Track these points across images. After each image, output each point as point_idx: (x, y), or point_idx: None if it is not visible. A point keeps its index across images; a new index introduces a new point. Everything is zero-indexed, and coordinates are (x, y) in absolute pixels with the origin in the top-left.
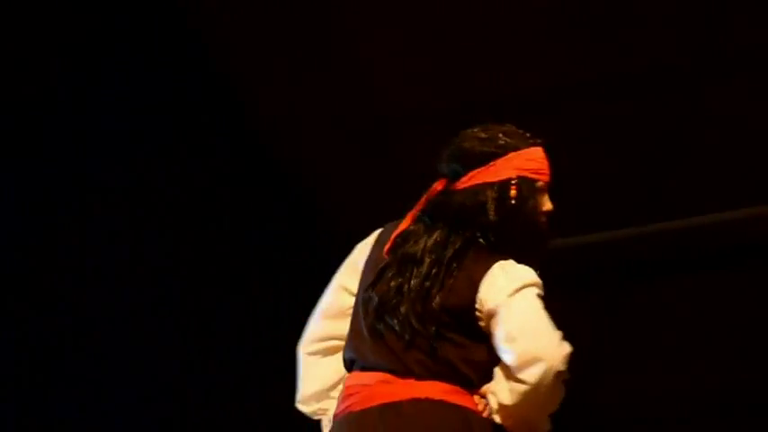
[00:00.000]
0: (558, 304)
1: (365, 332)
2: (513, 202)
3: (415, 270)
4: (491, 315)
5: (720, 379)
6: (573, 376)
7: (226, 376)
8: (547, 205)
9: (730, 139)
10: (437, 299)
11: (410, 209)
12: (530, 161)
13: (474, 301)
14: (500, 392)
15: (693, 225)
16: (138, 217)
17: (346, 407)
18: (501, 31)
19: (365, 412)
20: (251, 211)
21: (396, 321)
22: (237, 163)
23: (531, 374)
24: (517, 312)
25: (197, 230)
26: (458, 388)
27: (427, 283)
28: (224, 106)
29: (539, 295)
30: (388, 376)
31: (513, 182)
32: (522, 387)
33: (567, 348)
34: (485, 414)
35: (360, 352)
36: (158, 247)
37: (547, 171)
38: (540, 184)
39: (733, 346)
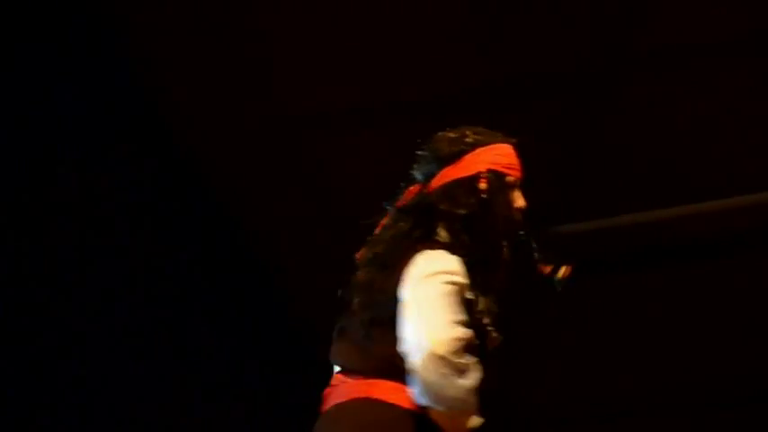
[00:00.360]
0: None
1: (335, 333)
2: (483, 195)
3: (368, 267)
4: (402, 304)
5: (636, 379)
6: (504, 375)
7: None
8: (519, 201)
9: (646, 139)
10: (375, 294)
11: (319, 209)
12: (500, 156)
13: (396, 294)
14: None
15: (605, 227)
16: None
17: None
18: (409, 31)
19: (323, 415)
20: (160, 210)
21: (349, 319)
22: (149, 164)
23: (414, 362)
24: (414, 300)
25: (106, 230)
26: (398, 385)
27: (370, 278)
28: (133, 100)
29: (448, 282)
30: (343, 377)
31: (482, 175)
32: (414, 376)
33: (452, 334)
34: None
35: (331, 353)
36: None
37: (518, 167)
38: (510, 179)
39: (650, 346)
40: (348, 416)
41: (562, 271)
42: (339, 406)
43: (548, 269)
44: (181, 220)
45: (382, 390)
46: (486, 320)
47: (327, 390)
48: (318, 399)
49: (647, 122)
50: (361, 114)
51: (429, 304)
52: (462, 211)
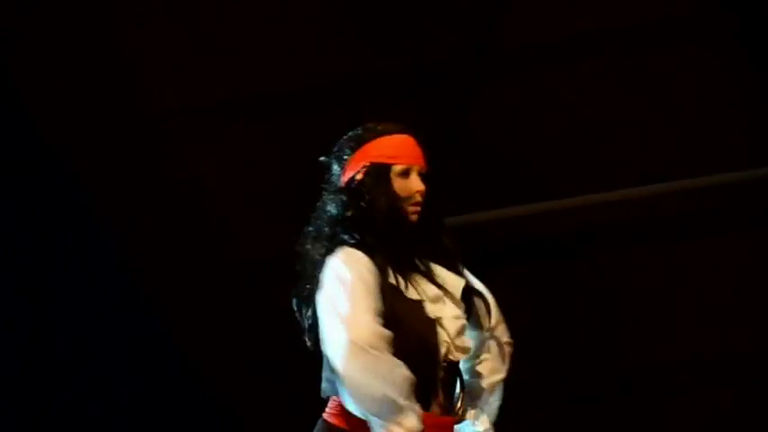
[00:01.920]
0: None
1: None
2: (365, 190)
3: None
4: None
5: (536, 369)
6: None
7: None
8: (413, 186)
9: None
10: (302, 309)
11: (183, 203)
12: (385, 148)
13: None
14: None
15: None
16: None
17: None
18: (277, 22)
19: None
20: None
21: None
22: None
23: (334, 359)
24: (323, 300)
25: None
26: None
27: (299, 295)
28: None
29: (338, 279)
30: None
31: (365, 170)
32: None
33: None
34: None
35: None
36: None
37: (407, 154)
38: (398, 168)
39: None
40: None
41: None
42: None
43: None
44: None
45: (329, 408)
46: (438, 314)
47: None
48: None
49: (514, 119)
50: (230, 107)
51: (338, 299)
52: (349, 213)
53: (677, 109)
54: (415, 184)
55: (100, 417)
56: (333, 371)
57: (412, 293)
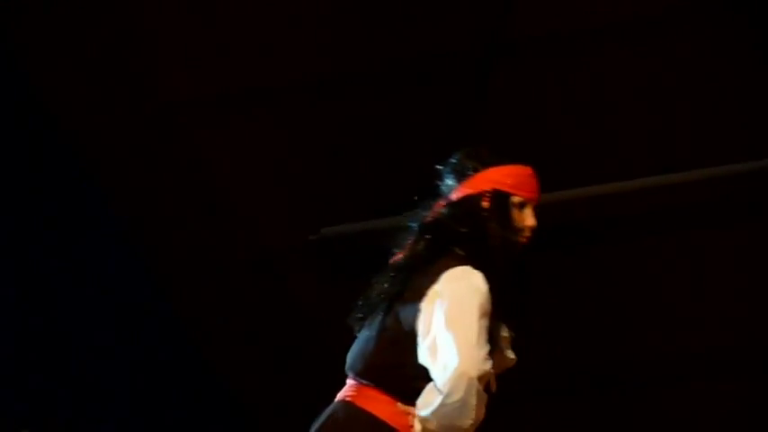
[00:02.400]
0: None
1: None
2: (484, 214)
3: (390, 275)
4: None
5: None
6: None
7: None
8: (527, 221)
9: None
10: (394, 304)
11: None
12: (508, 176)
13: (418, 309)
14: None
15: None
16: None
17: None
18: (285, 14)
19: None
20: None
21: (366, 323)
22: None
23: (439, 377)
24: (446, 315)
25: None
26: (385, 396)
27: (389, 287)
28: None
29: (480, 300)
30: (349, 377)
31: (486, 194)
32: (434, 391)
33: (484, 358)
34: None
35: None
36: None
37: (527, 188)
38: (516, 199)
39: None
40: (328, 415)
41: None
42: (331, 405)
43: None
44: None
45: (367, 397)
46: (503, 345)
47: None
48: None
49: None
50: (243, 96)
51: (462, 321)
52: (463, 230)
53: (694, 98)
54: (529, 218)
55: (111, 414)
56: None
57: (504, 330)
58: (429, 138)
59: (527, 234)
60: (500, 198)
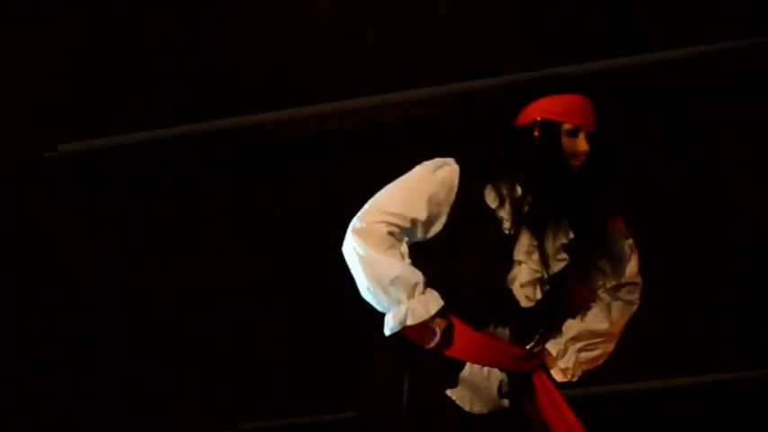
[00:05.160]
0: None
1: None
2: (534, 141)
3: None
4: None
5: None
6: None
7: None
8: (580, 147)
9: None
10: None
11: None
12: (557, 104)
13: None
14: None
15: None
16: None
17: None
18: None
19: None
20: None
21: None
22: None
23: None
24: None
25: None
26: None
27: None
28: None
29: (424, 168)
30: None
31: (536, 124)
32: None
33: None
34: None
35: None
36: None
37: (576, 115)
38: (566, 126)
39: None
40: None
41: None
42: None
43: None
44: None
45: None
46: (520, 258)
47: None
48: None
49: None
50: None
51: (387, 187)
52: (513, 156)
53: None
54: (581, 144)
55: None
56: None
57: (509, 228)
58: (168, 52)
59: (581, 158)
60: (550, 126)
